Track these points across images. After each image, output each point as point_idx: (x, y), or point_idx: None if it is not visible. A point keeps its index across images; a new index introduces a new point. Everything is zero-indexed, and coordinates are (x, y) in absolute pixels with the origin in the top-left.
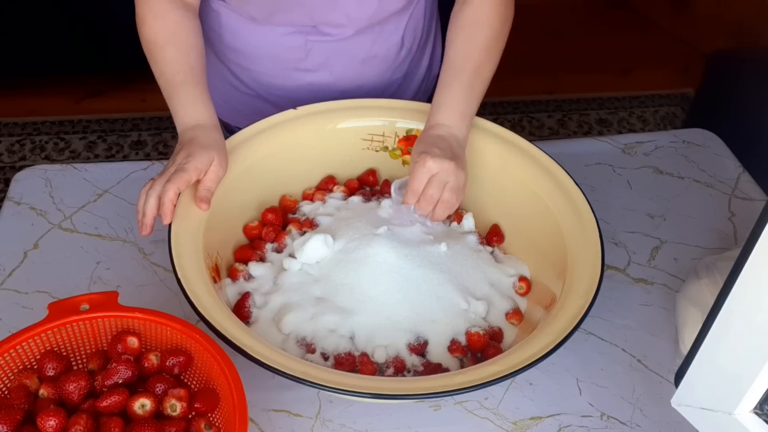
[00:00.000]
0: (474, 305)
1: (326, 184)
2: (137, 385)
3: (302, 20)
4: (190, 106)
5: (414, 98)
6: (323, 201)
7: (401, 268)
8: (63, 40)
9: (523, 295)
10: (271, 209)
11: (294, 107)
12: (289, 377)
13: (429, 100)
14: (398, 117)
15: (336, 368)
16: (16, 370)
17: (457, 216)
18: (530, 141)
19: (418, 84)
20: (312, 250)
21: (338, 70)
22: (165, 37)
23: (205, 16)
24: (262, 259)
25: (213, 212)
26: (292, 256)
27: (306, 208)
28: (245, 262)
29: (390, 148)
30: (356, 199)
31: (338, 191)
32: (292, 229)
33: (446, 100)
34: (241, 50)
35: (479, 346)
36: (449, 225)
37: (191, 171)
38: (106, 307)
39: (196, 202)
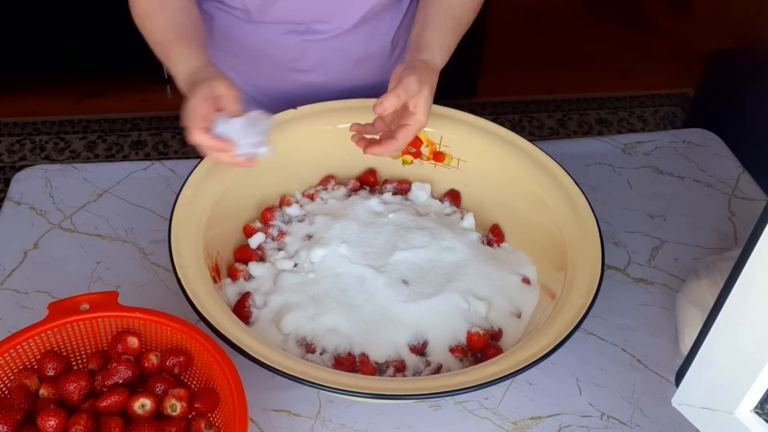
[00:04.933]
0: (474, 305)
1: (326, 184)
2: (137, 385)
3: (297, 15)
4: (183, 60)
5: None
6: (323, 200)
7: (402, 268)
8: (64, 40)
9: None
10: (270, 209)
11: (293, 107)
12: (289, 377)
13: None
14: None
15: (336, 368)
16: (16, 370)
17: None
18: (530, 141)
19: None
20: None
21: (333, 70)
22: (154, 4)
23: None
24: (262, 259)
25: (213, 212)
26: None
27: (291, 210)
28: (245, 262)
29: None
30: (355, 197)
31: (337, 189)
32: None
33: (434, 39)
34: (235, 53)
35: (479, 346)
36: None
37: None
38: (106, 307)
39: (241, 164)
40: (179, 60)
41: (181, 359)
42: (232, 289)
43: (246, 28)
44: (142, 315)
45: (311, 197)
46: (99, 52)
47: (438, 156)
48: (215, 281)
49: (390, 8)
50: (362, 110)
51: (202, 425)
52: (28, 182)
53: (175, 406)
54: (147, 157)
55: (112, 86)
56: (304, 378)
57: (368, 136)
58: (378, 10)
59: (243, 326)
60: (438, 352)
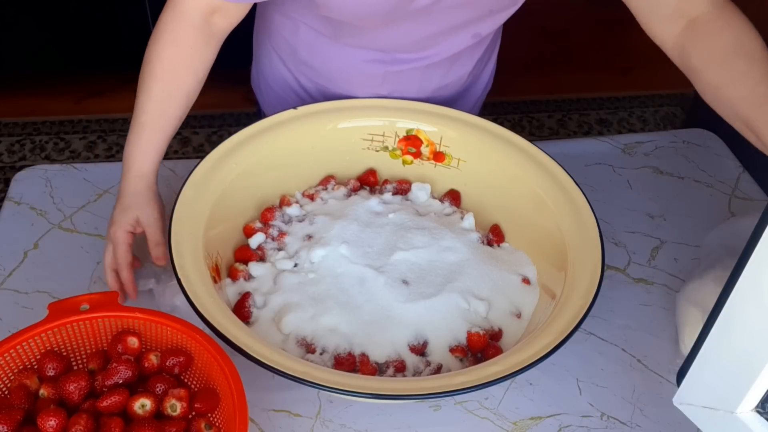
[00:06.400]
0: (474, 305)
1: (326, 184)
2: (137, 385)
3: (386, 44)
4: (138, 151)
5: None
6: (323, 200)
7: (402, 268)
8: (64, 40)
9: None
10: (270, 209)
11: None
12: (289, 377)
13: (481, 114)
14: (398, 117)
15: (336, 368)
16: (16, 370)
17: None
18: (530, 141)
19: (475, 99)
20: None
21: (409, 96)
22: (165, 68)
23: (277, 24)
24: (262, 259)
25: (213, 212)
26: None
27: (291, 210)
28: (245, 262)
29: (390, 148)
30: (355, 197)
31: (337, 189)
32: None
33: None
34: (315, 67)
35: (479, 346)
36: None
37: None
38: (106, 307)
39: (156, 261)
40: (134, 150)
41: (181, 359)
42: (232, 289)
43: (331, 48)
44: (142, 315)
45: (311, 197)
46: (99, 52)
47: (438, 156)
48: (215, 281)
49: (474, 47)
50: (362, 110)
51: (202, 425)
52: (28, 182)
53: (175, 406)
54: None
55: (112, 86)
56: (304, 378)
57: None
58: (464, 49)
59: (243, 326)
60: (438, 352)
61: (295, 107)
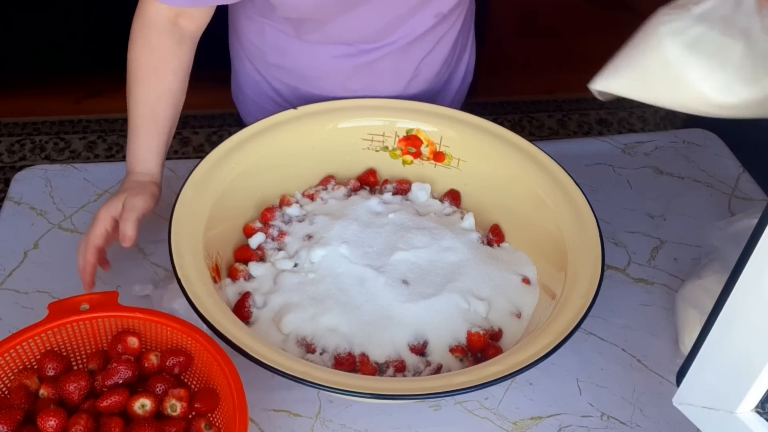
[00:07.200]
0: (474, 305)
1: (326, 184)
2: (137, 385)
3: (347, 36)
4: (139, 154)
5: (450, 107)
6: (323, 200)
7: (402, 268)
8: (63, 39)
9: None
10: (270, 209)
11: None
12: (289, 377)
13: (463, 108)
14: (398, 117)
15: (336, 368)
16: (16, 370)
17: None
18: (530, 141)
19: (453, 94)
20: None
21: (384, 90)
22: (144, 72)
23: (244, 29)
24: (262, 259)
25: (213, 212)
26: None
27: (292, 210)
28: (245, 262)
29: (390, 148)
30: (355, 198)
31: (337, 189)
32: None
33: None
34: (285, 69)
35: (479, 346)
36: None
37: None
38: (106, 307)
39: (121, 240)
40: (133, 152)
41: (181, 359)
42: (232, 289)
43: (297, 47)
44: (142, 315)
45: (311, 197)
46: (99, 52)
47: (438, 156)
48: (215, 281)
49: (441, 30)
50: (362, 110)
51: (202, 425)
52: (28, 182)
53: (175, 406)
54: None
55: (112, 86)
56: (304, 378)
57: None
58: (430, 32)
59: (243, 326)
60: (438, 352)
61: (295, 107)
